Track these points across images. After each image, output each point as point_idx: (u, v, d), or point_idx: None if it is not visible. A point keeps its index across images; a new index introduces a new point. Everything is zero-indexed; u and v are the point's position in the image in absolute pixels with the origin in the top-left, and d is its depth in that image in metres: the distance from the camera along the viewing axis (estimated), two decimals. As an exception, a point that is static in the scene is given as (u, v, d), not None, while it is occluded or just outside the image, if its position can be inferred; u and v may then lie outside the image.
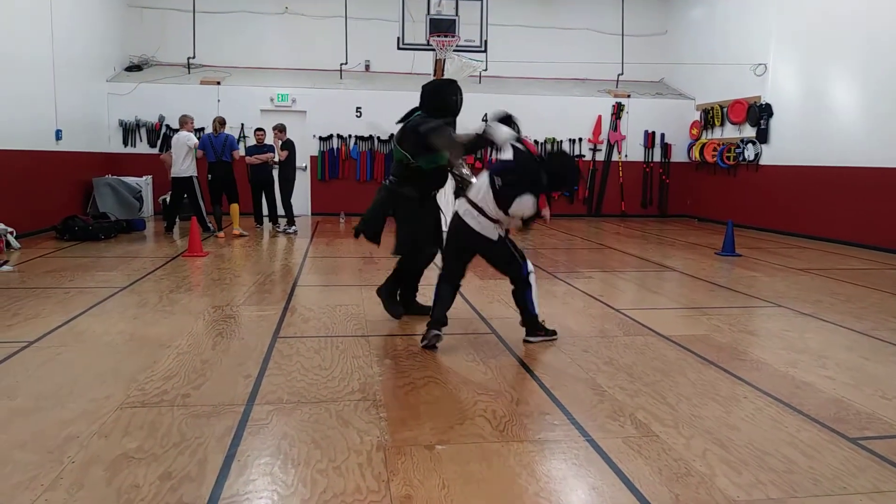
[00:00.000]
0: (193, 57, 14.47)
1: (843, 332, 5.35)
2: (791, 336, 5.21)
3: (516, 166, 4.49)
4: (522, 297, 4.78)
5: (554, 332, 4.95)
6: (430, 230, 5.26)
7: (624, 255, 9.71)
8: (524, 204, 4.42)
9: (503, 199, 4.46)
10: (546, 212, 4.58)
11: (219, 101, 13.70)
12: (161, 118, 13.68)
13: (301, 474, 2.81)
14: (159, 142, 13.62)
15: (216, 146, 10.56)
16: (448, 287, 4.84)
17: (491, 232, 4.60)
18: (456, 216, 4.71)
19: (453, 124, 5.18)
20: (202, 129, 13.14)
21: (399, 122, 5.20)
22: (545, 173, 4.50)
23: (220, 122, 10.75)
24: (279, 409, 3.52)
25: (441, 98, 5.02)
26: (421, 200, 5.15)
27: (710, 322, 5.61)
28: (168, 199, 11.41)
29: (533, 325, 4.85)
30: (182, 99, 13.34)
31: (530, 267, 4.79)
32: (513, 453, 3.05)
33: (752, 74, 13.09)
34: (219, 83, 13.97)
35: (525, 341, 4.87)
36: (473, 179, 4.98)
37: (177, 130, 11.51)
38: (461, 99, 5.10)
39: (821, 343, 5.01)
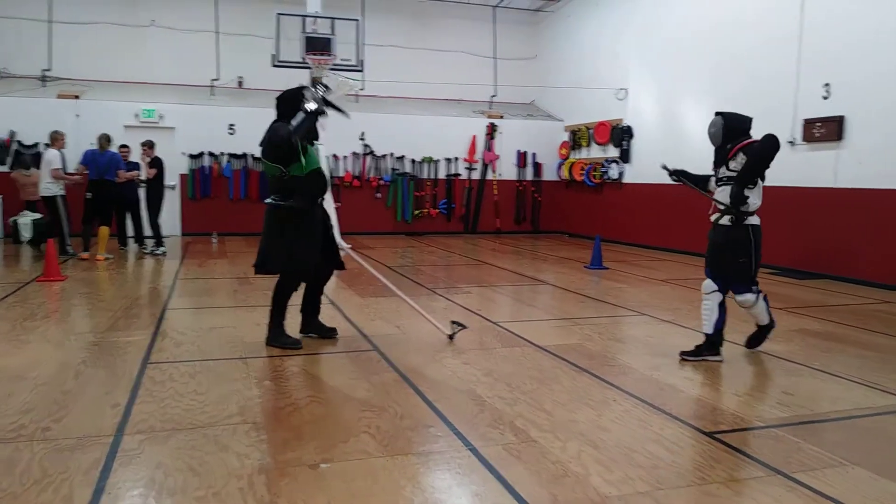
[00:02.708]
0: (49, 69, 13.56)
1: (700, 336, 5.74)
2: (654, 342, 5.58)
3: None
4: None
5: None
6: (319, 242, 5.13)
7: (500, 270, 10.00)
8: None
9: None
10: None
11: (77, 115, 12.87)
12: (11, 133, 12.67)
13: None
14: (9, 159, 12.59)
15: (100, 164, 9.95)
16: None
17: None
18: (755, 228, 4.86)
19: (314, 127, 4.96)
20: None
21: (261, 143, 5.10)
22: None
23: (106, 139, 10.15)
24: (152, 437, 3.36)
25: (293, 106, 4.85)
26: (310, 210, 5.02)
27: (582, 331, 5.89)
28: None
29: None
30: (36, 113, 12.47)
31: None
32: (398, 467, 3.07)
33: (614, 98, 13.94)
34: (77, 97, 13.15)
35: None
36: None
37: (32, 146, 10.76)
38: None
39: (680, 347, 5.38)
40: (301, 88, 5.01)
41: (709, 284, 4.99)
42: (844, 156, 9.12)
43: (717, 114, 4.97)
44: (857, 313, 6.95)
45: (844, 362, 4.99)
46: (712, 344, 4.96)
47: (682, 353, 5.00)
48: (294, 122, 4.73)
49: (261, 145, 5.06)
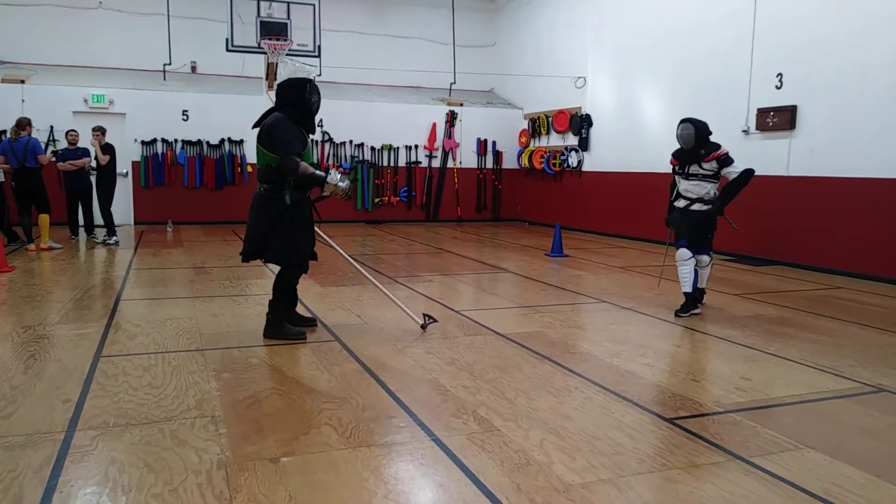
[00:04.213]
0: (-8, 52, 13.07)
1: (659, 323, 5.86)
2: (614, 329, 5.63)
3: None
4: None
5: None
6: (311, 232, 5.10)
7: (461, 258, 9.99)
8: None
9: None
10: None
11: (23, 101, 12.42)
12: (-47, 119, 12.17)
13: (133, 501, 2.62)
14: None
15: (17, 151, 9.58)
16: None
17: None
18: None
19: (311, 121, 5.00)
20: (2, 132, 11.91)
21: (255, 125, 4.97)
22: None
23: (19, 125, 9.75)
24: (105, 433, 3.25)
25: (298, 95, 4.84)
26: (302, 202, 4.95)
27: (543, 319, 5.92)
28: None
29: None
30: (-21, 98, 11.99)
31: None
32: (360, 459, 3.04)
33: (573, 86, 14.01)
34: (23, 81, 12.68)
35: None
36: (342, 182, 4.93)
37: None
38: (318, 98, 4.96)
39: (640, 334, 5.46)
40: (306, 80, 4.92)
41: (685, 253, 6.12)
42: (797, 144, 9.32)
43: (686, 120, 6.09)
44: (810, 299, 7.13)
45: (799, 347, 5.11)
46: (695, 300, 6.18)
47: (676, 312, 6.09)
48: (308, 168, 4.74)
49: (255, 126, 4.94)
